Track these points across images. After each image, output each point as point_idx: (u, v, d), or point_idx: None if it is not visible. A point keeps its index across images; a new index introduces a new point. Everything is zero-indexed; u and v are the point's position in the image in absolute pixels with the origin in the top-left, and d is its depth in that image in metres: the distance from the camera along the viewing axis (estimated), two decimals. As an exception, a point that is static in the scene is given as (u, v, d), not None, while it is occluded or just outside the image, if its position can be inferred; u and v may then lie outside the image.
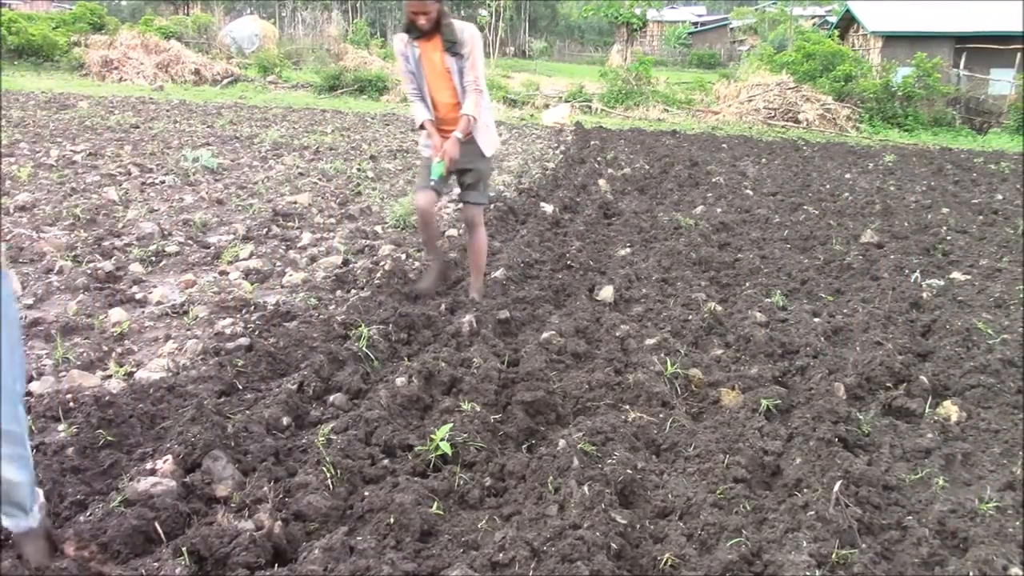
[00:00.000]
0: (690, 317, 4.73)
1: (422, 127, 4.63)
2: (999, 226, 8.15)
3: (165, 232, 6.11)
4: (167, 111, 15.23)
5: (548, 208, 7.84)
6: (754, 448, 3.10)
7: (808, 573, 2.27)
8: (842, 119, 21.05)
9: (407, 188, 8.76)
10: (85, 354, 3.72)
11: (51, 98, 15.77)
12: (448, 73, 4.44)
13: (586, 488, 2.60)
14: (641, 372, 3.76)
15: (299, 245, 6.17)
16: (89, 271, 4.92)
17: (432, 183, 4.56)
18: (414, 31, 4.35)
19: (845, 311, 5.12)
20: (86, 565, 2.22)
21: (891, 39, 27.11)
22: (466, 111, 4.46)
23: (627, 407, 3.43)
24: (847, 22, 30.81)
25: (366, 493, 2.64)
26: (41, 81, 19.81)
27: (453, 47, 4.36)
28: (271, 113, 16.37)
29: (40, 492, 2.29)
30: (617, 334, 4.37)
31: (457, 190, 5.14)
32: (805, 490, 2.77)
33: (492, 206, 7.79)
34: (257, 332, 4.20)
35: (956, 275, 6.06)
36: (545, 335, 4.25)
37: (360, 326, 4.15)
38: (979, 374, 3.93)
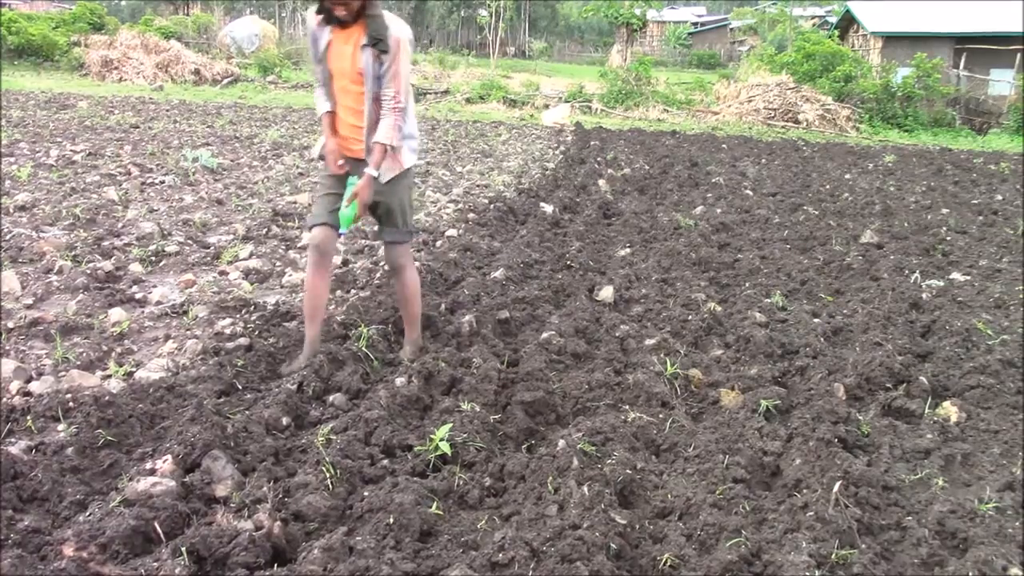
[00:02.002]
0: (690, 317, 4.73)
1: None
2: (999, 226, 8.15)
3: (165, 232, 6.11)
4: (167, 111, 15.23)
5: (548, 208, 7.84)
6: (754, 448, 3.10)
7: (808, 573, 2.27)
8: (842, 119, 21.06)
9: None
10: (85, 354, 3.72)
11: (51, 98, 15.77)
12: (360, 76, 3.49)
13: (586, 488, 2.60)
14: (641, 372, 3.76)
15: (299, 245, 6.16)
16: (89, 271, 4.92)
17: (342, 235, 3.68)
18: (331, 18, 3.49)
19: (845, 311, 5.12)
20: (85, 565, 2.22)
21: (891, 39, 27.12)
22: (381, 139, 3.49)
23: (627, 407, 3.43)
24: (847, 22, 30.82)
25: (366, 493, 2.64)
26: (41, 81, 19.80)
27: (376, 45, 3.41)
28: (271, 113, 16.37)
29: None
30: (617, 334, 4.37)
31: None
32: (805, 490, 2.77)
33: (491, 206, 7.78)
34: (257, 332, 4.20)
35: (956, 276, 6.06)
36: (545, 335, 4.24)
37: (360, 326, 4.14)
38: (979, 375, 3.93)
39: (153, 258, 5.46)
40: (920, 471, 3.05)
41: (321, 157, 3.76)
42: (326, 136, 3.69)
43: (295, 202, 7.54)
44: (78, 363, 3.63)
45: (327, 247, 3.75)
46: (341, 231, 3.69)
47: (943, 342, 4.51)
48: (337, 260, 5.70)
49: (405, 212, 3.80)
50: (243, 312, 4.52)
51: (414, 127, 3.76)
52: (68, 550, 2.25)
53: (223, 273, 5.28)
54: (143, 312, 4.45)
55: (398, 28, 3.46)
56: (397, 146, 3.59)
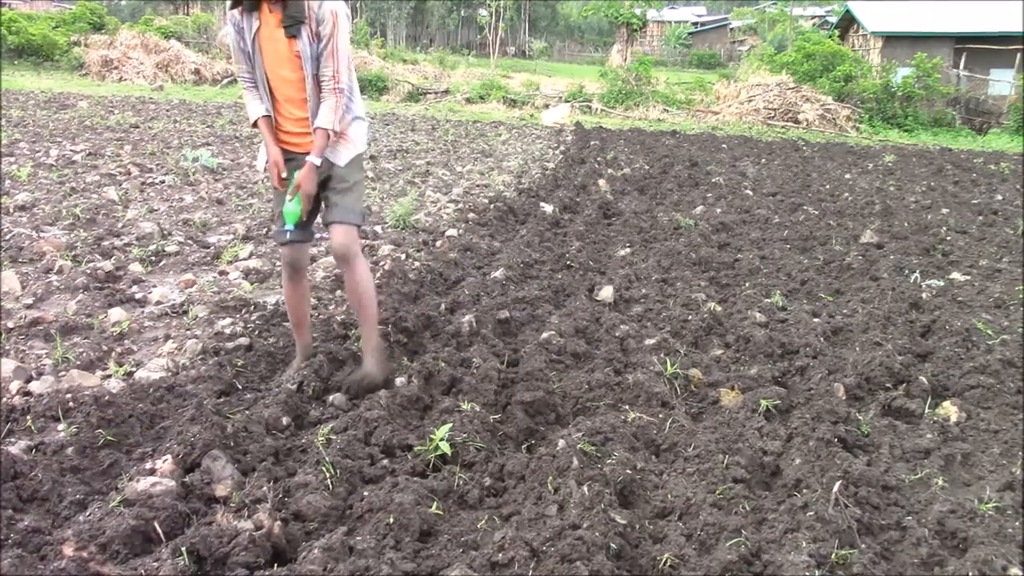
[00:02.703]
0: (690, 317, 4.73)
1: (255, 125, 3.39)
2: (999, 226, 8.15)
3: (165, 232, 6.11)
4: (167, 111, 15.22)
5: (548, 208, 7.84)
6: (754, 448, 3.10)
7: (807, 573, 2.27)
8: (842, 119, 21.06)
9: (407, 188, 8.76)
10: (85, 354, 3.72)
11: (51, 98, 15.77)
12: (297, 59, 3.22)
13: (585, 488, 2.60)
14: (641, 372, 3.76)
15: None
16: (89, 271, 4.92)
17: (289, 233, 3.39)
18: (254, 3, 3.20)
19: (845, 311, 5.12)
20: (85, 565, 2.22)
21: (891, 39, 27.12)
22: (321, 123, 3.23)
23: (627, 407, 3.43)
24: (847, 22, 30.83)
25: (365, 493, 2.64)
26: (41, 81, 19.80)
27: (300, 26, 3.15)
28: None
29: None
30: (617, 334, 4.37)
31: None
32: (804, 490, 2.77)
33: (491, 206, 7.77)
34: (257, 332, 4.20)
35: (956, 275, 6.06)
36: (545, 335, 4.24)
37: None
38: (979, 374, 3.93)
39: (153, 258, 5.46)
40: (920, 471, 3.05)
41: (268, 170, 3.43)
42: (267, 144, 3.35)
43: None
44: (78, 363, 3.63)
45: (300, 263, 3.59)
46: (287, 227, 3.33)
47: (943, 342, 4.51)
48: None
49: (358, 194, 3.52)
50: (243, 312, 4.52)
51: (361, 108, 3.50)
52: (68, 550, 2.25)
53: (223, 273, 5.28)
54: (143, 312, 4.45)
55: (332, 2, 3.18)
56: (341, 130, 3.32)
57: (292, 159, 3.38)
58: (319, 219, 3.62)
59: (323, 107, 3.24)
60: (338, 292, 5.08)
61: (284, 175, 3.34)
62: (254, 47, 3.25)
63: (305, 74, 3.24)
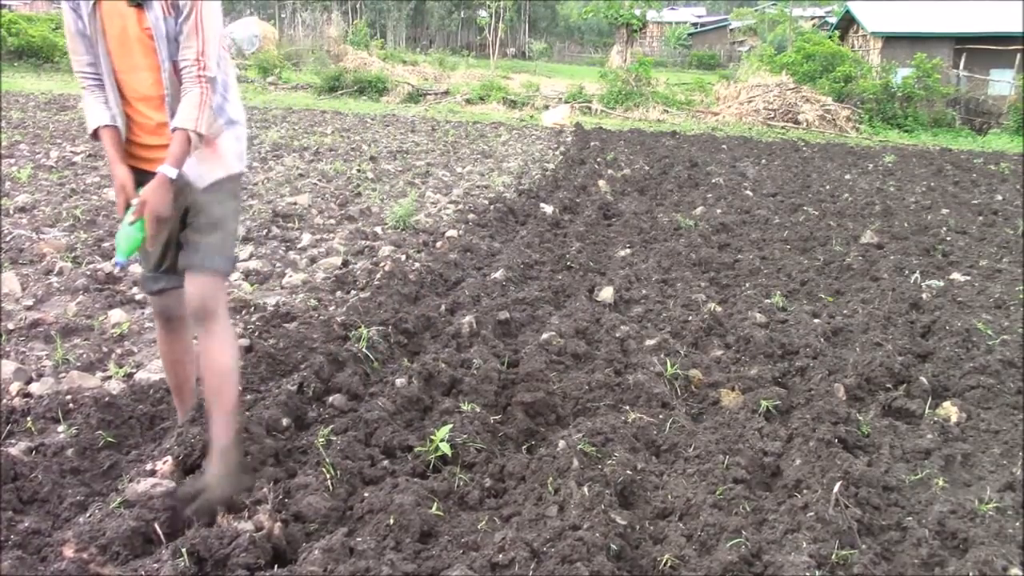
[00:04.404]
0: (690, 318, 4.73)
1: (96, 136, 2.51)
2: (999, 227, 8.16)
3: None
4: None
5: (548, 209, 7.85)
6: (754, 449, 3.10)
7: (808, 574, 2.27)
8: (842, 120, 21.06)
9: (407, 189, 8.77)
10: (85, 355, 3.72)
11: (51, 99, 15.77)
12: (150, 39, 2.42)
13: (586, 489, 2.60)
14: (641, 373, 3.76)
15: (299, 246, 6.16)
16: (89, 272, 4.92)
17: (119, 266, 2.49)
18: None
19: (845, 312, 5.12)
20: (85, 566, 2.22)
21: (891, 40, 27.11)
22: (180, 123, 2.39)
23: (627, 408, 3.43)
24: (847, 23, 30.82)
25: (366, 494, 2.64)
26: (41, 83, 19.80)
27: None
28: (271, 114, 16.37)
29: None
30: (617, 335, 4.37)
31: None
32: (805, 491, 2.77)
33: (491, 207, 7.77)
34: (257, 333, 4.20)
35: (956, 276, 6.06)
36: (545, 336, 4.24)
37: (360, 327, 4.14)
38: (979, 375, 3.93)
39: (153, 259, 5.46)
40: (920, 471, 3.05)
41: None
42: (112, 163, 2.50)
43: (295, 203, 7.54)
44: (78, 364, 3.63)
45: (172, 312, 2.78)
46: (118, 261, 2.41)
47: (943, 342, 4.51)
48: (336, 260, 5.70)
49: (227, 233, 2.63)
50: (243, 313, 4.53)
51: (239, 110, 2.67)
52: (68, 551, 2.25)
53: (223, 274, 5.28)
54: (143, 313, 4.45)
55: None
56: (211, 134, 2.47)
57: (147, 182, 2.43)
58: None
59: (184, 102, 2.40)
60: (338, 293, 5.07)
61: (134, 201, 2.39)
62: (94, 27, 2.43)
63: (161, 61, 2.42)
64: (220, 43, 2.47)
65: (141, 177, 2.47)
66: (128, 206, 2.40)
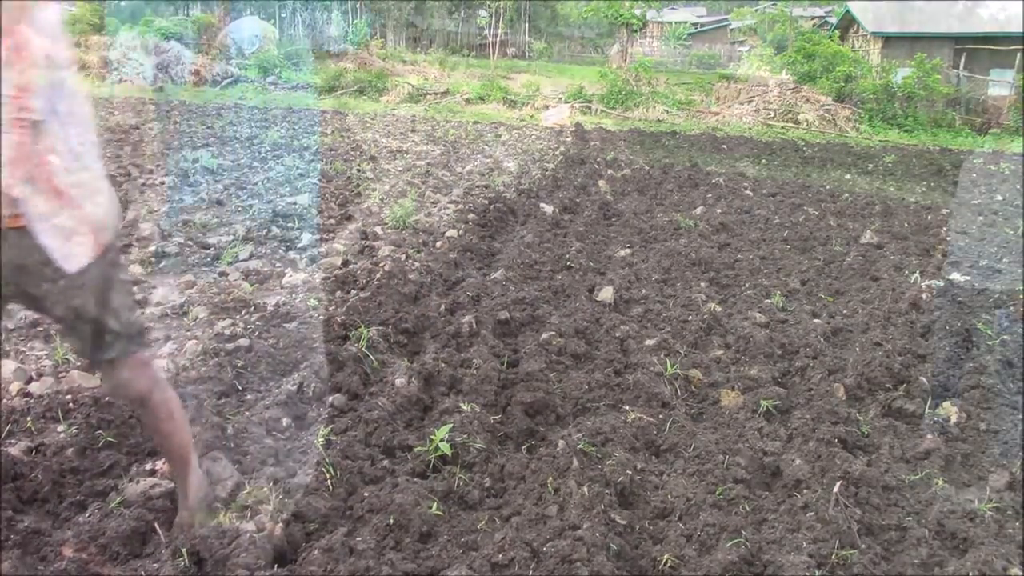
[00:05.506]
0: (690, 318, 4.73)
1: None
2: (999, 226, 8.16)
3: (165, 233, 6.11)
4: (167, 111, 15.23)
5: (548, 209, 7.84)
6: (754, 449, 3.10)
7: (808, 574, 2.27)
8: (842, 120, 21.05)
9: (407, 189, 8.76)
10: (85, 355, 3.72)
11: None
12: None
13: (585, 489, 2.60)
14: (641, 373, 3.76)
15: (299, 246, 6.16)
16: (89, 272, 4.92)
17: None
18: None
19: (845, 311, 5.12)
20: (85, 566, 2.22)
21: (891, 40, 27.10)
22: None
23: (627, 408, 3.42)
24: (847, 23, 30.83)
25: (366, 494, 2.64)
26: None
27: None
28: (271, 114, 16.36)
29: None
30: (617, 335, 4.37)
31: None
32: (805, 491, 2.77)
33: (491, 206, 7.77)
34: (257, 333, 4.20)
35: (956, 276, 6.06)
36: (545, 336, 4.24)
37: (360, 327, 4.14)
38: (979, 374, 3.93)
39: (153, 259, 5.46)
40: (920, 471, 3.05)
41: None
42: None
43: (295, 202, 7.54)
44: (78, 364, 3.63)
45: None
46: None
47: (943, 342, 4.51)
48: (336, 260, 5.70)
49: (116, 313, 2.15)
50: (243, 313, 4.52)
51: (100, 178, 2.07)
52: (68, 551, 2.25)
53: (223, 274, 5.28)
54: (143, 313, 4.45)
55: None
56: (67, 196, 1.94)
57: None
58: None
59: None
60: (338, 293, 5.07)
61: None
62: None
63: None
64: (59, 74, 1.93)
65: None
66: None
